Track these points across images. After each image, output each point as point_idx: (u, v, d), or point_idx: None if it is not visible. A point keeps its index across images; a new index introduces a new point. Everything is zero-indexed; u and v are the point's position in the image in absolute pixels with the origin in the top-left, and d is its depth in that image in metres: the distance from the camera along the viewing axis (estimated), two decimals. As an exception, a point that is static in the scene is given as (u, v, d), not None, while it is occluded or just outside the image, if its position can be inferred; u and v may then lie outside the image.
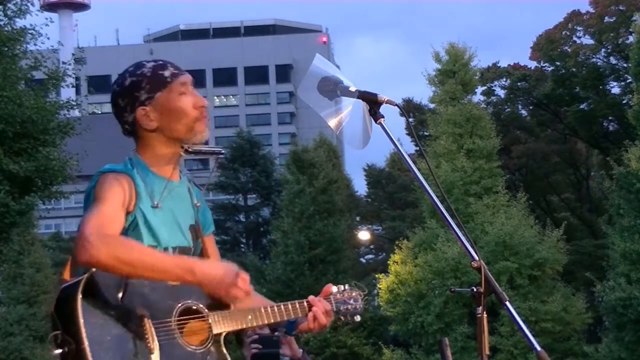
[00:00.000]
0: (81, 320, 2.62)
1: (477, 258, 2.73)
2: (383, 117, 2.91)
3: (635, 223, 23.63)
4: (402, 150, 2.93)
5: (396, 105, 2.92)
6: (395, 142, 2.90)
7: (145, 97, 2.93)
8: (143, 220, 2.88)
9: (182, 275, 2.70)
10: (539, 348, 2.65)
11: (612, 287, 23.57)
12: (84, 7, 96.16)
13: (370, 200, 47.78)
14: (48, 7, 75.65)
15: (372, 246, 48.17)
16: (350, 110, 2.99)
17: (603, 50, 36.32)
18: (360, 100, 2.94)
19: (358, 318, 3.23)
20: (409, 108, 39.11)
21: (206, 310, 2.87)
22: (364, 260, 48.64)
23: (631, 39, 30.09)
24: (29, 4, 17.94)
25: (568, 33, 37.18)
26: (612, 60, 36.39)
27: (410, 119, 36.24)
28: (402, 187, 42.11)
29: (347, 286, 3.27)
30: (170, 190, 2.97)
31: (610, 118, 37.38)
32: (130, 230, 2.86)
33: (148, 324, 2.73)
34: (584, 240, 36.83)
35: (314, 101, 3.00)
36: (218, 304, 2.90)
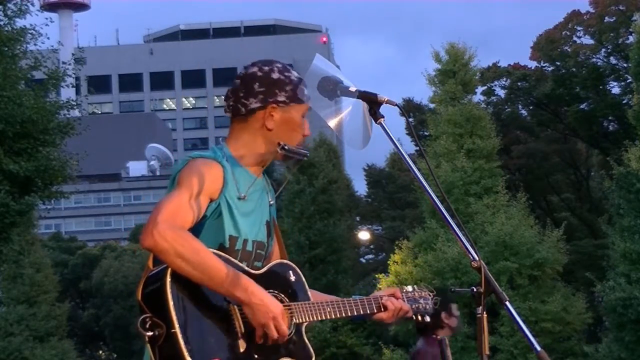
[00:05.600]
0: (171, 304, 2.65)
1: (477, 258, 2.73)
2: (383, 117, 2.90)
3: (635, 223, 23.61)
4: (402, 150, 2.93)
5: (396, 105, 2.92)
6: (395, 142, 2.90)
7: (282, 99, 2.97)
8: (227, 209, 2.88)
9: (232, 290, 2.71)
10: (539, 348, 2.65)
11: (612, 287, 23.54)
12: (84, 7, 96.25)
13: (370, 200, 47.79)
14: (48, 7, 75.84)
15: (372, 246, 48.18)
16: (350, 110, 2.99)
17: (603, 50, 36.30)
18: (360, 100, 2.94)
19: (427, 318, 3.32)
20: (409, 108, 39.09)
21: (287, 300, 2.91)
22: (364, 260, 48.66)
23: (631, 39, 30.08)
24: (29, 4, 17.97)
25: (568, 33, 37.16)
26: (612, 60, 36.38)
27: (410, 119, 36.21)
28: (402, 187, 42.09)
29: (415, 286, 3.36)
30: (255, 185, 3.01)
31: (610, 118, 37.37)
32: (213, 218, 2.87)
33: (234, 309, 2.76)
34: (584, 240, 36.81)
35: (314, 101, 3.00)
36: (297, 294, 2.97)
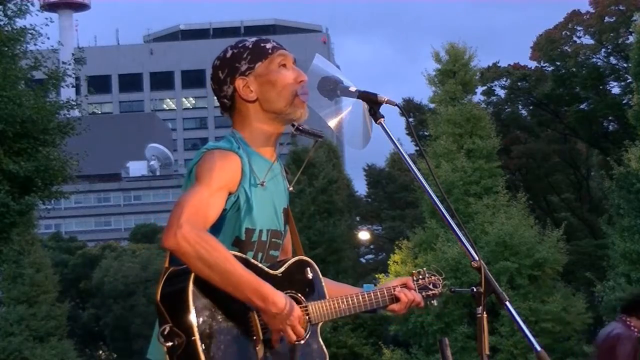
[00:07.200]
0: (192, 309, 2.60)
1: (477, 258, 2.73)
2: (383, 117, 2.90)
3: (635, 223, 23.61)
4: (402, 150, 2.93)
5: (396, 105, 2.91)
6: (395, 142, 2.89)
7: (245, 68, 2.93)
8: (245, 200, 2.84)
9: (252, 297, 2.64)
10: (539, 348, 2.65)
11: (612, 287, 23.55)
12: (84, 7, 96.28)
13: (370, 200, 47.81)
14: (48, 7, 75.78)
15: (372, 246, 48.19)
16: (350, 110, 2.98)
17: (603, 50, 36.32)
18: (360, 100, 2.93)
19: (436, 303, 3.32)
20: (409, 108, 39.11)
21: (304, 299, 2.87)
22: (364, 260, 48.65)
23: (631, 39, 30.07)
24: (29, 4, 17.98)
25: (568, 33, 37.17)
26: (612, 60, 36.40)
27: (410, 119, 36.20)
28: (402, 187, 42.12)
29: (425, 270, 3.33)
30: (272, 172, 2.95)
31: (610, 118, 37.39)
32: (233, 211, 2.83)
33: (254, 317, 2.72)
34: (584, 240, 36.84)
35: (313, 101, 2.99)
36: (313, 293, 2.92)
